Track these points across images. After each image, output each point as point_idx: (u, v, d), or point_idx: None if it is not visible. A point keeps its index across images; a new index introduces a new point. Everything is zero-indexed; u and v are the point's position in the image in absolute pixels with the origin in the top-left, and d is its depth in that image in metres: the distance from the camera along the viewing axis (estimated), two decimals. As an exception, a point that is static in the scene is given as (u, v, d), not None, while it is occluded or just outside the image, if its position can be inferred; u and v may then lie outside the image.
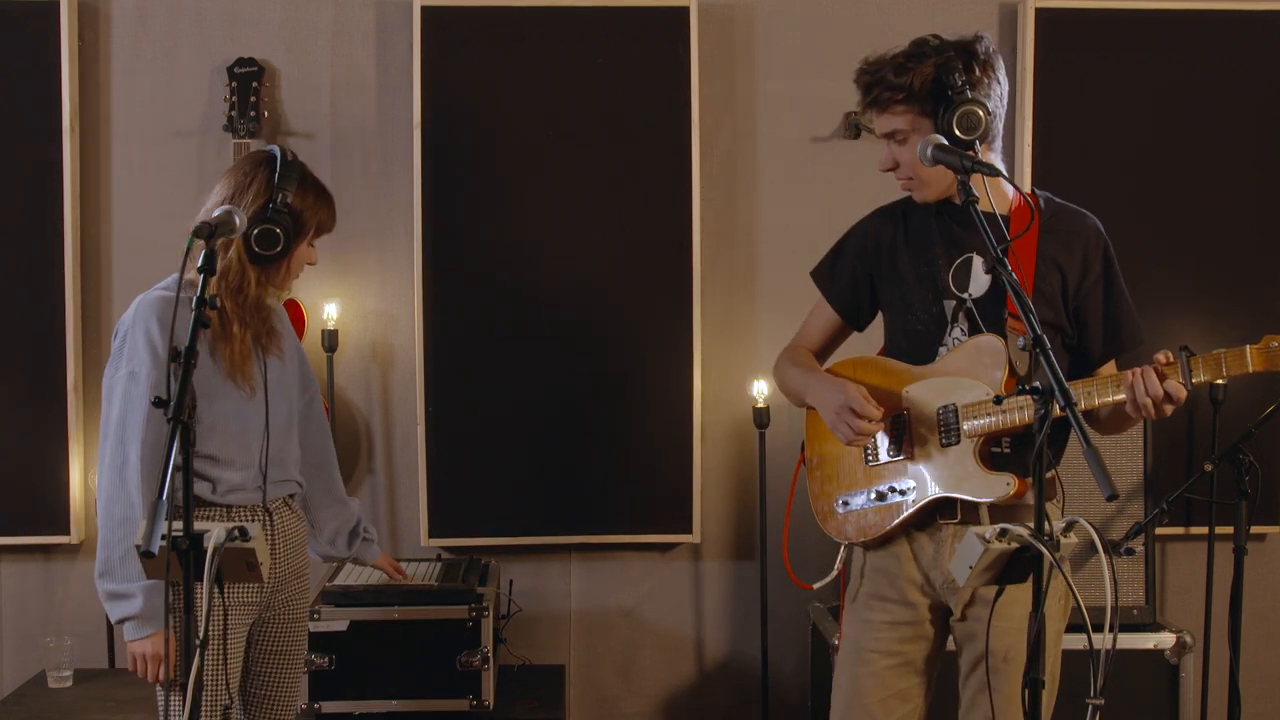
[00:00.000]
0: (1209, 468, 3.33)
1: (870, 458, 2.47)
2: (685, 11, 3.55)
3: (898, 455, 2.43)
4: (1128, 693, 3.26)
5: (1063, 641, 2.49)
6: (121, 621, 2.38)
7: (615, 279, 3.60)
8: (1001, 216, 2.41)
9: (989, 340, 2.38)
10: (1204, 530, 3.55)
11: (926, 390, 2.42)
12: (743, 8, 3.65)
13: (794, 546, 2.90)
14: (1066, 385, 1.94)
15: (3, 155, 3.49)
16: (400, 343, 3.64)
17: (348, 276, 3.61)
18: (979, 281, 2.43)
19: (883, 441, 2.45)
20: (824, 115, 3.65)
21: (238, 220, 2.19)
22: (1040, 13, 3.57)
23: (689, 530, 3.62)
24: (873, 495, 2.44)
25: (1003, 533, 2.00)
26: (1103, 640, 1.90)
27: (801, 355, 2.63)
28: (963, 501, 2.38)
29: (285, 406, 2.58)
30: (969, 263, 2.43)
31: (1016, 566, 2.03)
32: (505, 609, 3.47)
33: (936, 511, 2.40)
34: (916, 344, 2.47)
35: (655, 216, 3.59)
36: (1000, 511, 2.36)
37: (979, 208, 2.13)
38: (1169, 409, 2.21)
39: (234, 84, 3.45)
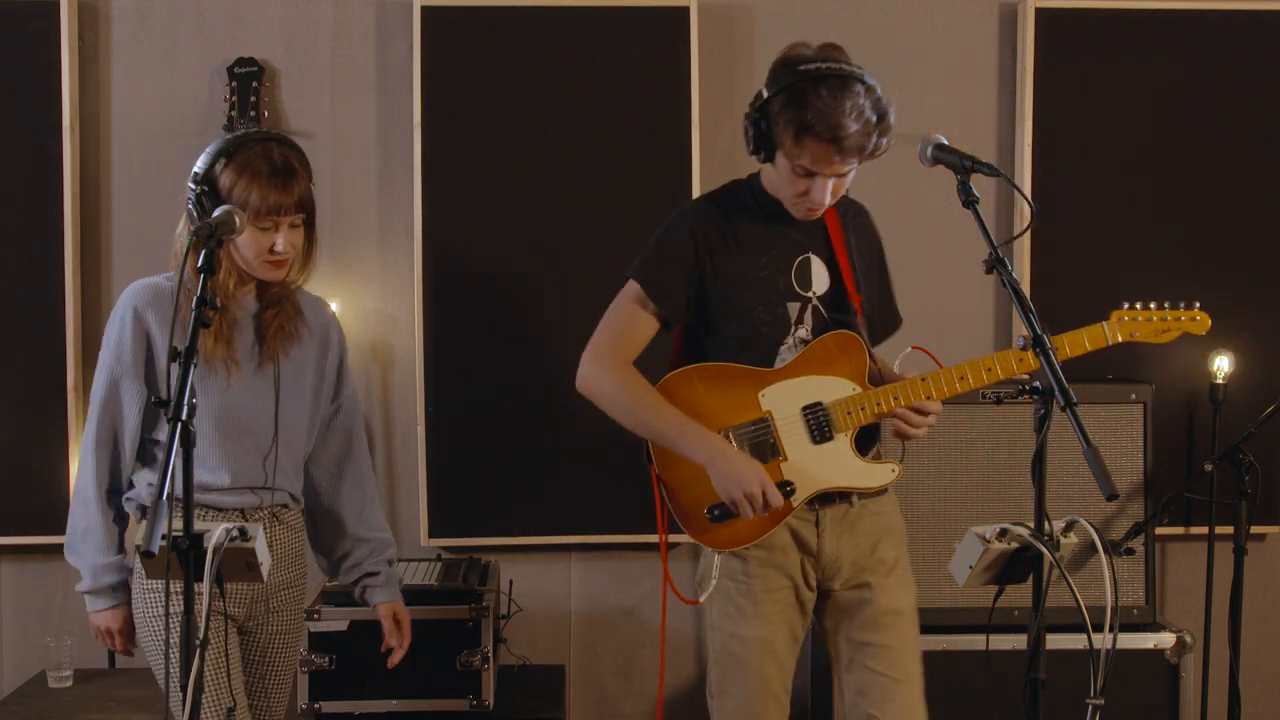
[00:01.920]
0: (1209, 468, 3.34)
1: None
2: (685, 11, 3.55)
3: (769, 458, 2.48)
4: (1128, 693, 3.26)
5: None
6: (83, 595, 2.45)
7: (616, 279, 3.58)
8: (819, 218, 2.56)
9: (844, 336, 2.51)
10: (1204, 530, 3.55)
11: (785, 392, 2.49)
12: (743, 8, 3.65)
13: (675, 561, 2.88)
14: (1066, 385, 1.95)
15: (3, 155, 3.49)
16: (400, 343, 3.64)
17: (348, 276, 3.61)
18: (819, 279, 2.54)
19: (747, 448, 2.48)
20: (824, 115, 3.64)
21: (238, 220, 2.18)
22: (1040, 13, 3.57)
23: (689, 530, 3.62)
24: None
25: (1003, 533, 2.01)
26: (1103, 640, 1.91)
27: (645, 384, 2.52)
28: (841, 490, 2.52)
29: (293, 411, 2.50)
30: (808, 262, 2.54)
31: (1016, 566, 2.04)
32: (505, 609, 3.47)
33: (815, 500, 2.51)
34: (753, 347, 2.51)
35: (655, 216, 3.57)
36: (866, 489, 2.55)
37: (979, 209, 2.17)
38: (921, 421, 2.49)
39: (234, 84, 3.45)
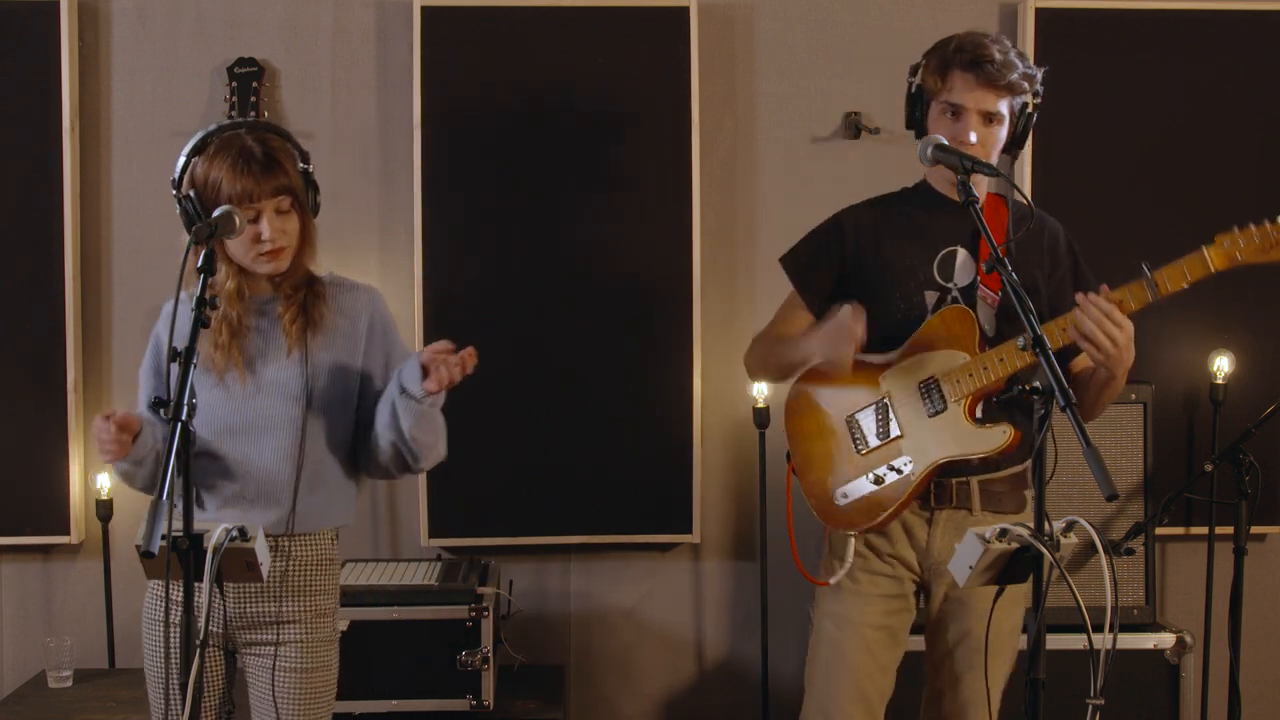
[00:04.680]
0: (1209, 468, 3.34)
1: (860, 446, 2.55)
2: (685, 11, 3.54)
3: (889, 437, 2.51)
4: (1128, 693, 3.26)
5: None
6: None
7: (615, 279, 3.60)
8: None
9: (954, 310, 2.51)
10: (1204, 530, 3.55)
11: (902, 372, 2.53)
12: (743, 8, 3.65)
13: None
14: (1066, 385, 1.96)
15: (3, 155, 3.49)
16: (400, 343, 3.63)
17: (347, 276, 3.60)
18: (964, 272, 2.55)
19: (870, 428, 2.54)
20: (824, 115, 3.65)
21: (238, 220, 2.18)
22: (1040, 13, 3.57)
23: (689, 530, 3.62)
24: (872, 479, 2.52)
25: (1003, 533, 2.01)
26: (1103, 640, 1.91)
27: (770, 338, 2.71)
28: (957, 480, 2.50)
29: (328, 412, 2.36)
30: (954, 255, 2.55)
31: (1016, 566, 2.04)
32: (505, 609, 3.47)
33: (932, 488, 2.51)
34: (893, 332, 2.55)
35: (655, 216, 3.59)
36: (991, 497, 2.53)
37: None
38: (1117, 334, 2.31)
39: (234, 84, 3.45)
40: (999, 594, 2.16)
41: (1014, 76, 2.46)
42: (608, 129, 3.57)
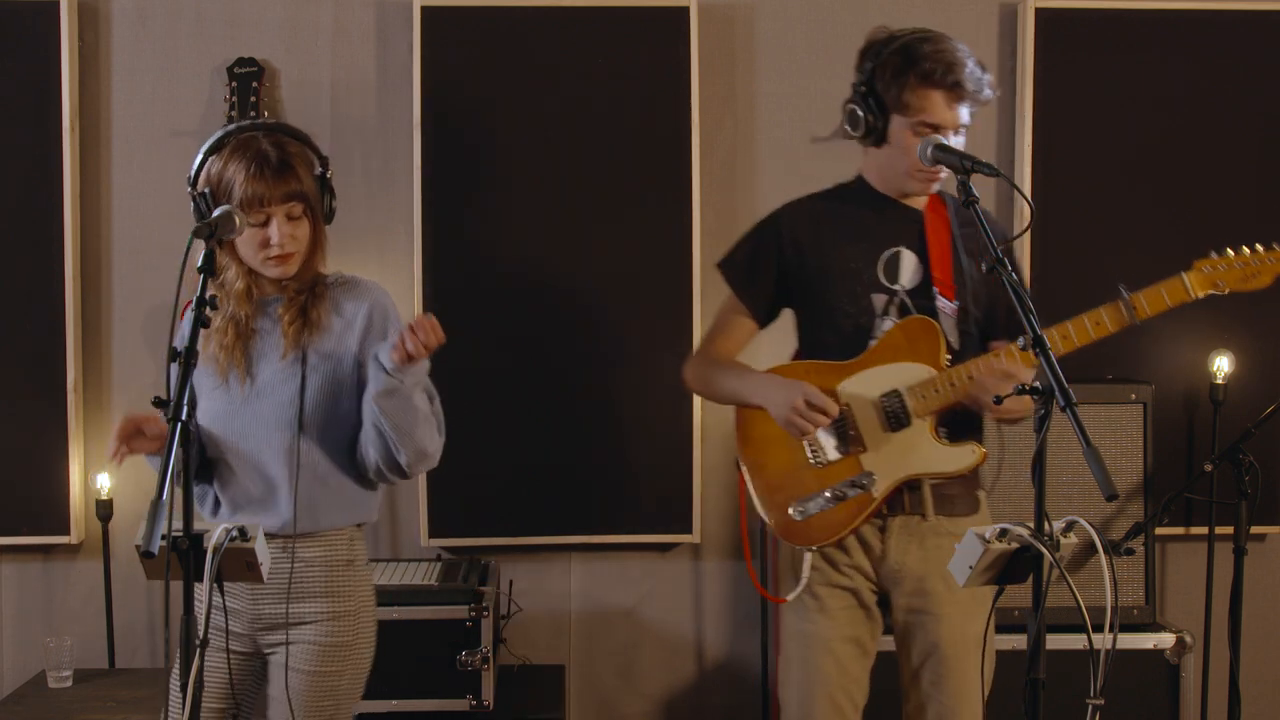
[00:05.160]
0: (1209, 468, 3.34)
1: (817, 459, 2.49)
2: (685, 11, 3.54)
3: (849, 451, 2.47)
4: (1128, 693, 3.26)
5: (997, 642, 2.62)
6: None
7: (615, 279, 3.60)
8: (917, 211, 2.55)
9: (917, 321, 2.47)
10: (1204, 530, 3.55)
11: (861, 383, 2.47)
12: (743, 8, 3.65)
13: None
14: (1066, 385, 1.96)
15: (3, 155, 3.49)
16: (400, 343, 3.63)
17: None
18: (909, 273, 2.51)
19: (828, 441, 2.49)
20: (824, 115, 3.65)
21: (238, 220, 2.17)
22: (1040, 13, 3.57)
23: (689, 530, 3.62)
24: (829, 495, 2.47)
25: (1003, 533, 2.01)
26: (1103, 640, 1.91)
27: (726, 357, 2.63)
28: (910, 492, 2.46)
29: (325, 412, 2.35)
30: (897, 255, 2.52)
31: (1016, 566, 2.04)
32: (505, 609, 3.47)
33: (886, 501, 2.47)
34: (846, 338, 2.51)
35: (655, 216, 3.59)
36: (944, 500, 2.49)
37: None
38: (1007, 385, 2.23)
39: (234, 84, 3.45)
40: (998, 594, 2.15)
41: (988, 91, 2.46)
42: (607, 129, 3.57)
